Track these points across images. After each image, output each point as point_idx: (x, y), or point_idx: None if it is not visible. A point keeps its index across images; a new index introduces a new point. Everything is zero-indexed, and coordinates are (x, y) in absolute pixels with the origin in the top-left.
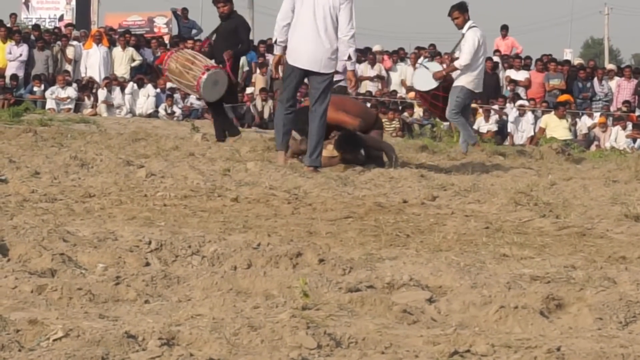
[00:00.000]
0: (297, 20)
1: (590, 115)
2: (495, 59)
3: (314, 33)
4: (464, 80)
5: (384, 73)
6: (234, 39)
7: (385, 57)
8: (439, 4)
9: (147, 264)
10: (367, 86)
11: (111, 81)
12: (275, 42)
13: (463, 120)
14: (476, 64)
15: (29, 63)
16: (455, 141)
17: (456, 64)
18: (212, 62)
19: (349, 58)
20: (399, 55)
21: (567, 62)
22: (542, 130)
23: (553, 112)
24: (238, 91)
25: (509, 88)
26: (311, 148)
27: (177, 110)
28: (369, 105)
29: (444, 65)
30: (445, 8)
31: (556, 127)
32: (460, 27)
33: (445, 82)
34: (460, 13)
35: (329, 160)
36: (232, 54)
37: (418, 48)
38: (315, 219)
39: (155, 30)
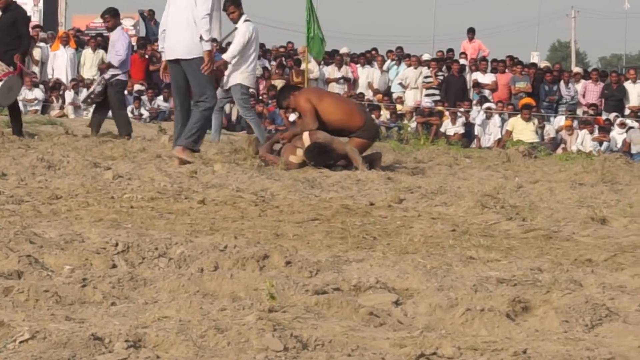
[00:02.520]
0: (166, 21)
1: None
2: (462, 61)
3: (178, 25)
4: (240, 78)
5: (350, 75)
6: (14, 32)
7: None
8: (407, 7)
9: (114, 266)
10: (334, 88)
11: (78, 83)
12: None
13: (257, 120)
14: (249, 59)
15: None
16: (422, 144)
17: (224, 57)
18: (3, 67)
19: (201, 39)
20: (366, 58)
21: (534, 64)
22: (509, 133)
23: (519, 115)
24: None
25: (476, 91)
26: (189, 132)
27: (145, 112)
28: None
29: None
30: (413, 12)
31: (523, 130)
32: (235, 21)
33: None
34: (235, 7)
35: (298, 166)
36: (21, 58)
37: (374, 50)
38: (282, 221)
39: None
